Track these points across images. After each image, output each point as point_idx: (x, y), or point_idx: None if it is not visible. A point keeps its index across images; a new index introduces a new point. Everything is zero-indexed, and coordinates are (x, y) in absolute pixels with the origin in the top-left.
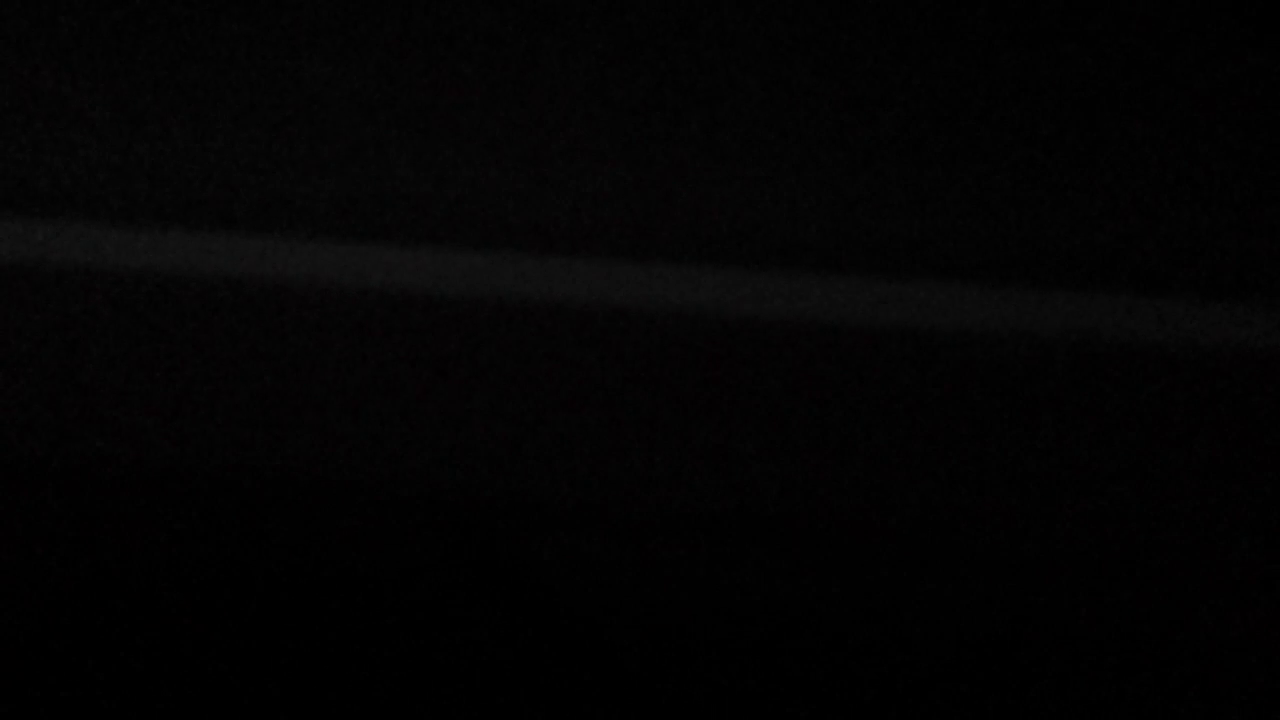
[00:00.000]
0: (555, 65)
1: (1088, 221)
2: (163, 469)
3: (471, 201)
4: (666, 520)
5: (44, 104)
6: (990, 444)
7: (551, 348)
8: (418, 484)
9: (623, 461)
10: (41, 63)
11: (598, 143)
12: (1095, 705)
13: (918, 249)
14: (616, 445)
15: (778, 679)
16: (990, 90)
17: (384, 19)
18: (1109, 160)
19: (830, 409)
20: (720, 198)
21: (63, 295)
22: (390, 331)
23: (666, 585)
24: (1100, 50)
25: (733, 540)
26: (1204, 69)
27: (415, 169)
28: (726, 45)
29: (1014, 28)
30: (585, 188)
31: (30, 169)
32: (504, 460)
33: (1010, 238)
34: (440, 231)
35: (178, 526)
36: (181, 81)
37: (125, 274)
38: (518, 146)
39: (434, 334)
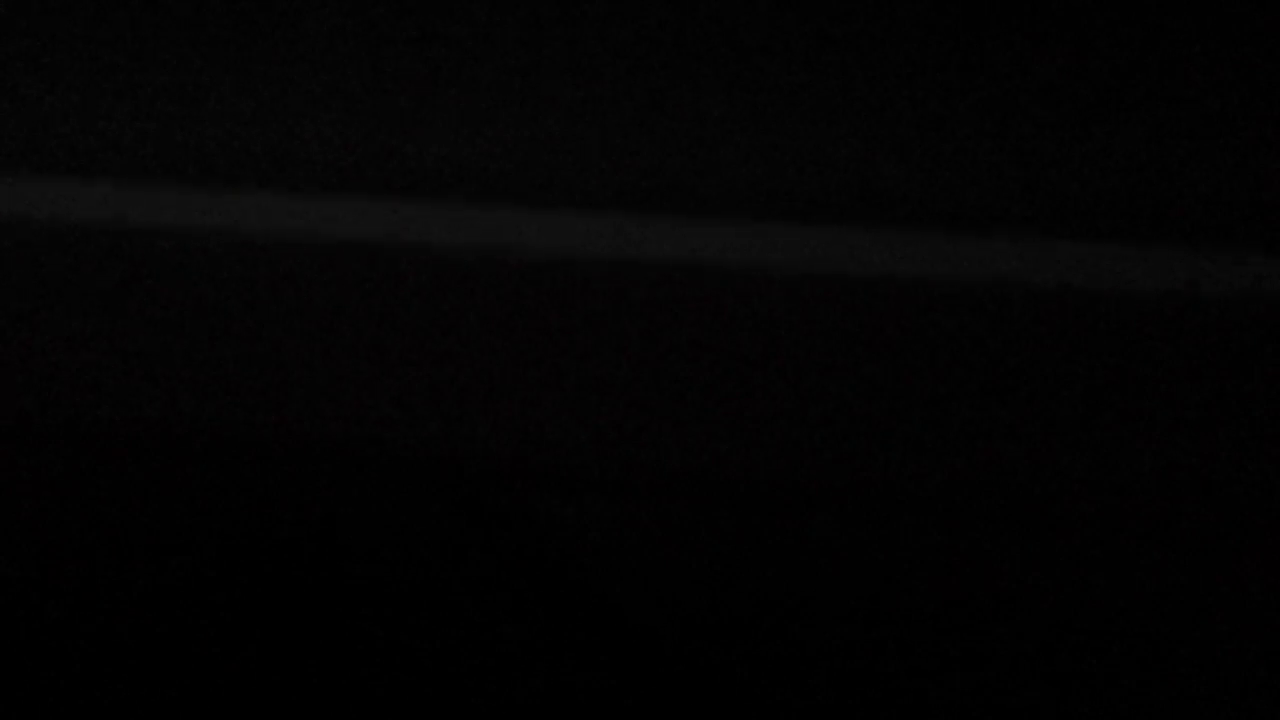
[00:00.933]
0: (558, 17)
1: (1089, 170)
2: (166, 431)
3: (475, 155)
4: (673, 483)
5: (41, 60)
6: (992, 399)
7: (556, 303)
8: (422, 447)
9: (630, 423)
10: (38, 21)
11: (603, 96)
12: (1091, 666)
13: (924, 199)
14: (624, 406)
15: (784, 643)
16: (989, 42)
17: None
18: (1104, 107)
19: (836, 363)
20: (727, 150)
21: (61, 253)
22: (393, 289)
23: (674, 549)
24: None
25: (744, 503)
26: (1196, 11)
27: (418, 122)
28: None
29: None
30: (589, 141)
31: (26, 126)
32: (510, 422)
33: (1014, 187)
34: (446, 186)
35: (179, 490)
36: (182, 39)
37: (125, 231)
38: (523, 99)
39: (438, 291)
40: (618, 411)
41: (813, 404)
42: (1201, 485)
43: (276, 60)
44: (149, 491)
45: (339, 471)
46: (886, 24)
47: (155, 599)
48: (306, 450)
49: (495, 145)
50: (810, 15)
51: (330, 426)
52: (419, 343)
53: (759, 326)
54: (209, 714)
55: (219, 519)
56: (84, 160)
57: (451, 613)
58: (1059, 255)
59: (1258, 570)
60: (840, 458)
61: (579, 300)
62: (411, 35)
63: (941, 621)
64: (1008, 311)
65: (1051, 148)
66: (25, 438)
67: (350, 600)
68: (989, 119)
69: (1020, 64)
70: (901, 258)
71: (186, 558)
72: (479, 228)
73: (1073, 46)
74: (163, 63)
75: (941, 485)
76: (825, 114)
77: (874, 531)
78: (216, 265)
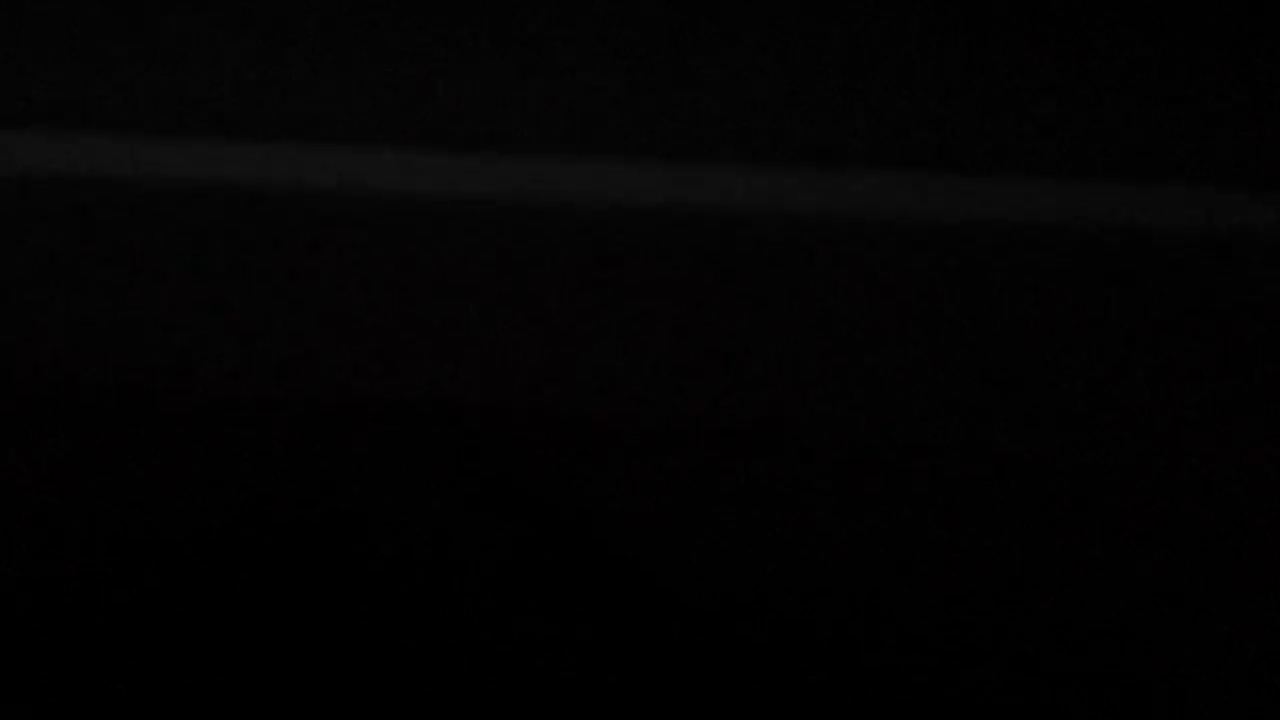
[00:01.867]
0: None
1: (1087, 109)
2: (173, 388)
3: (471, 103)
4: (675, 429)
5: (40, 16)
6: (992, 339)
7: (554, 250)
8: (434, 400)
9: (628, 367)
10: None
11: (597, 41)
12: (1090, 613)
13: (916, 141)
14: (621, 351)
15: (807, 599)
16: None
17: None
18: (1099, 46)
19: (834, 306)
20: (718, 95)
21: (62, 206)
22: (392, 238)
23: (674, 494)
24: None
25: (744, 447)
26: None
27: (413, 72)
28: None
29: None
30: (583, 87)
31: (27, 81)
32: (509, 369)
33: (1011, 128)
34: (442, 134)
35: (176, 444)
36: None
37: (128, 184)
38: (518, 47)
39: (436, 239)
40: (629, 361)
41: (832, 350)
42: (1201, 422)
43: (287, 13)
44: (153, 450)
45: (350, 426)
46: None
47: (165, 556)
48: (315, 405)
49: (499, 96)
50: None
51: (342, 380)
52: (430, 294)
53: (780, 272)
54: (211, 674)
55: (226, 475)
56: (101, 113)
57: (465, 570)
58: (1077, 194)
59: (1258, 570)
60: (856, 404)
61: (590, 248)
62: None
63: (941, 561)
64: (1039, 251)
65: (1064, 83)
66: (30, 397)
67: (362, 559)
68: (974, 59)
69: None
70: (890, 197)
71: (196, 517)
72: (470, 174)
73: None
74: (173, 17)
75: (934, 423)
76: (809, 59)
77: (895, 481)
78: (226, 218)
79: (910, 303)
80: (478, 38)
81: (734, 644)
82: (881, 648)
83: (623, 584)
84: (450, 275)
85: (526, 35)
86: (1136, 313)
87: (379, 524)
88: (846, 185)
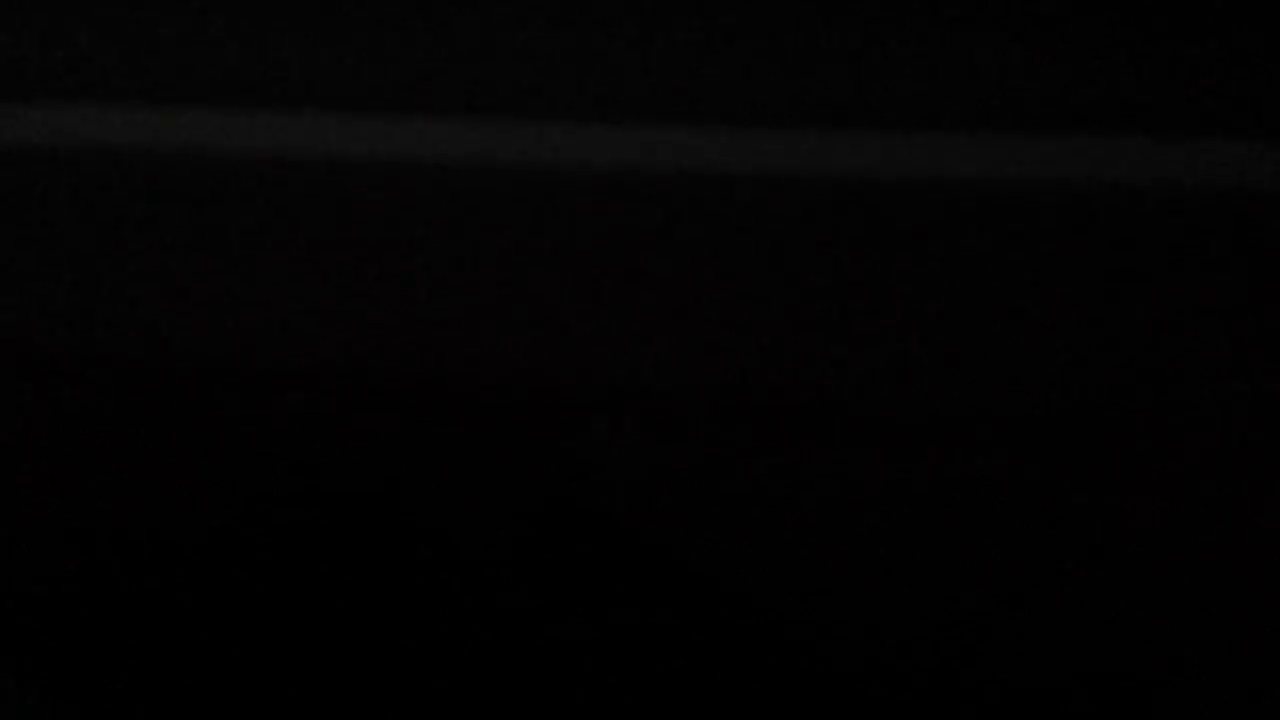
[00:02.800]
0: None
1: (1090, 62)
2: (186, 358)
3: (478, 69)
4: (693, 404)
5: None
6: (1028, 307)
7: (572, 218)
8: (442, 371)
9: (652, 342)
10: None
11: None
12: (1093, 580)
13: (919, 100)
14: (644, 324)
15: (818, 571)
16: None
17: None
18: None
19: (844, 268)
20: (727, 57)
21: (60, 176)
22: (403, 206)
23: (692, 470)
24: None
25: (776, 426)
26: None
27: (425, 38)
28: None
29: None
30: (592, 51)
31: (27, 50)
32: (523, 342)
33: (1015, 83)
34: (456, 101)
35: (182, 418)
36: None
37: (126, 153)
38: (527, 11)
39: (456, 209)
40: (639, 330)
41: (845, 319)
42: (1205, 382)
43: None
44: (166, 422)
45: (358, 398)
46: None
47: (175, 525)
48: (324, 377)
49: (507, 60)
50: None
51: (350, 351)
52: (438, 263)
53: (784, 236)
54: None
55: (231, 444)
56: (107, 83)
57: (474, 541)
58: (1100, 151)
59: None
60: (872, 376)
61: (597, 214)
62: None
63: (948, 531)
64: (1010, 206)
65: (1085, 38)
66: (34, 365)
67: (372, 531)
68: (977, 18)
69: None
70: (898, 158)
71: (205, 489)
72: (483, 140)
73: None
74: None
75: (972, 408)
76: (817, 20)
77: (907, 454)
78: (236, 187)
79: (917, 267)
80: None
81: (759, 627)
82: (905, 634)
83: (642, 567)
84: (459, 247)
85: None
86: (1177, 274)
87: (387, 501)
88: (861, 145)
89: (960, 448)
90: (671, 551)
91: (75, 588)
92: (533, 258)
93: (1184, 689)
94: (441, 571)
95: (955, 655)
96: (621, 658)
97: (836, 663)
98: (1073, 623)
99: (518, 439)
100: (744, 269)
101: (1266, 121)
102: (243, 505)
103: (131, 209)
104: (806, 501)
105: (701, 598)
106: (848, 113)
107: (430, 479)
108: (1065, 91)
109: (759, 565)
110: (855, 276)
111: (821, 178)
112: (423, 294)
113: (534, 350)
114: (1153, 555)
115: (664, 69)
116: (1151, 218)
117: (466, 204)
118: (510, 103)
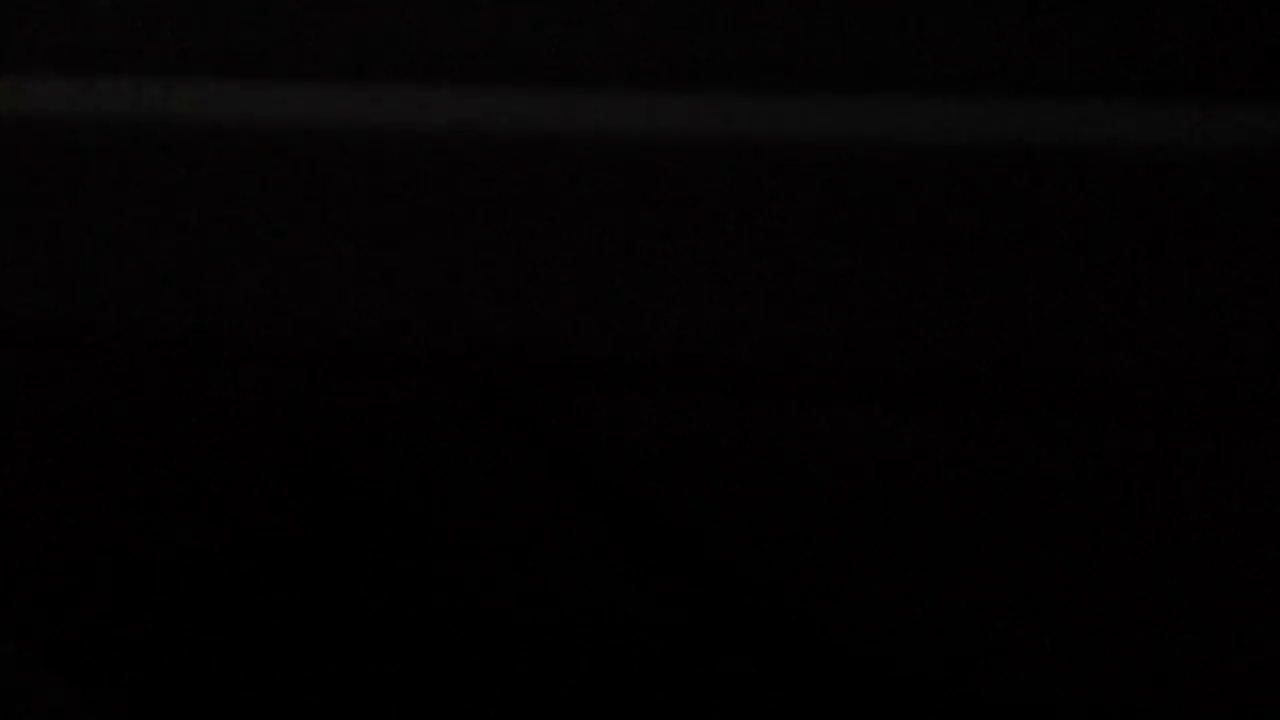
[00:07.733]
0: None
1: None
2: (191, 332)
3: (487, 37)
4: (695, 375)
5: None
6: (1047, 274)
7: (578, 185)
8: (450, 343)
9: (660, 312)
10: None
11: None
12: (1095, 549)
13: (925, 64)
14: (651, 292)
15: (828, 543)
16: None
17: None
18: None
19: (855, 235)
20: (723, 21)
21: (59, 147)
22: (411, 176)
23: (699, 440)
24: None
25: (787, 397)
26: None
27: (432, 8)
28: None
29: None
30: (586, 15)
31: (26, 23)
32: (539, 315)
33: (1024, 48)
34: (463, 69)
35: (173, 394)
36: None
37: (127, 124)
38: None
39: (456, 178)
40: (647, 300)
41: (853, 286)
42: (1207, 348)
43: None
44: (173, 395)
45: (365, 371)
46: None
47: (186, 502)
48: (328, 350)
49: (509, 29)
50: None
51: (355, 324)
52: (441, 233)
53: (799, 204)
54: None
55: (223, 416)
56: (100, 55)
57: (486, 513)
58: (1116, 114)
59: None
60: (881, 343)
61: (602, 182)
62: None
63: (949, 499)
64: (1013, 173)
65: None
66: (36, 340)
67: (382, 504)
68: None
69: None
70: (910, 123)
71: (215, 463)
72: (490, 108)
73: None
74: None
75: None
76: None
77: (917, 423)
78: (235, 159)
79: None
80: None
81: (767, 600)
82: (904, 592)
83: (646, 532)
84: (457, 214)
85: None
86: (1189, 241)
87: (398, 474)
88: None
89: (976, 417)
90: (678, 525)
91: (68, 565)
92: (531, 229)
93: (1184, 674)
94: (442, 548)
95: (968, 632)
96: (625, 636)
97: (848, 637)
98: (1089, 610)
99: (518, 413)
100: (747, 237)
101: (1273, 85)
102: (240, 483)
103: (113, 180)
104: (808, 470)
105: (708, 574)
106: (844, 76)
107: (428, 455)
108: (1076, 57)
109: (765, 541)
110: (856, 244)
111: (821, 143)
112: (420, 267)
113: (535, 324)
114: (1154, 520)
115: (658, 34)
116: (1165, 184)
117: (463, 174)
118: (506, 70)
